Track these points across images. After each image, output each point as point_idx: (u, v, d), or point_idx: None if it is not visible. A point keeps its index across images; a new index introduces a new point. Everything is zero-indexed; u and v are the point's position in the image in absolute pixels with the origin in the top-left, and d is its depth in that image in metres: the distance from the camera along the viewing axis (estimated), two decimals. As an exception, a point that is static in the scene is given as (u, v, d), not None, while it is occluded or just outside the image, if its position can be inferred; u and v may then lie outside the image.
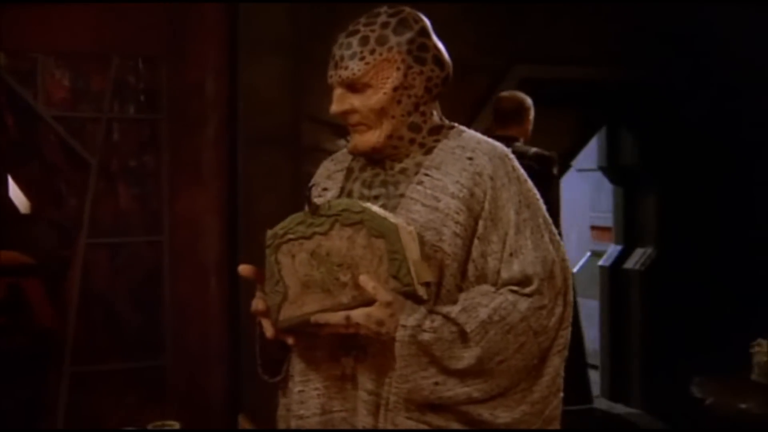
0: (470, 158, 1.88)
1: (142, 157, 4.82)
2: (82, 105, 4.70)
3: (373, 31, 1.85)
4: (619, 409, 6.42)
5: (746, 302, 5.28)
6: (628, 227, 6.59)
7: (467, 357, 1.74)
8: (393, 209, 1.84)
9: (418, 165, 1.90)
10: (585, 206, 8.22)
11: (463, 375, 1.75)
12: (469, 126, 2.01)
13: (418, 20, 1.90)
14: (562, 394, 1.88)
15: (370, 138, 1.88)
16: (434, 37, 1.91)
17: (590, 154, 7.07)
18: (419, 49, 1.87)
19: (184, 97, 4.69)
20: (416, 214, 1.83)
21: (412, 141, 1.91)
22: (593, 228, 8.30)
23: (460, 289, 1.82)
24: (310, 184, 1.99)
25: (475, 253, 1.83)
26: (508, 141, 4.06)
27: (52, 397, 4.56)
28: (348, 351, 1.82)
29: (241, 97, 4.70)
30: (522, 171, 1.92)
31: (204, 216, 4.69)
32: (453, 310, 1.76)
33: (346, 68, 1.84)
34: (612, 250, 6.74)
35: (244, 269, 1.83)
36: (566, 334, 1.86)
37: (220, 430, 4.61)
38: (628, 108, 6.30)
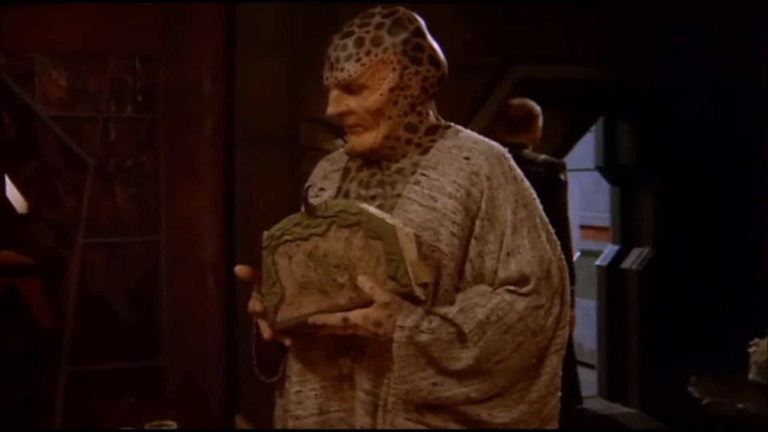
0: (467, 158, 1.88)
1: (140, 157, 4.82)
2: (79, 105, 4.70)
3: (368, 32, 1.85)
4: (617, 408, 6.42)
5: (743, 302, 5.28)
6: (626, 227, 6.60)
7: (465, 357, 1.74)
8: (390, 209, 1.84)
9: (415, 165, 1.90)
10: (575, 206, 8.23)
11: (461, 375, 1.75)
12: (466, 126, 2.01)
13: (413, 20, 1.90)
14: (560, 394, 1.88)
15: (367, 139, 1.88)
16: (429, 37, 1.91)
17: (587, 154, 7.08)
18: (414, 49, 1.87)
19: (181, 97, 4.69)
20: (413, 214, 1.83)
21: (408, 141, 1.91)
22: (582, 227, 8.32)
23: (458, 289, 1.83)
24: (307, 185, 1.99)
25: (472, 253, 1.83)
26: (517, 148, 4.20)
27: (49, 397, 4.55)
28: (345, 351, 1.82)
29: (238, 97, 4.70)
30: (519, 171, 1.92)
31: (201, 216, 4.69)
32: (451, 311, 1.76)
33: (342, 70, 1.84)
34: (609, 249, 6.74)
35: (240, 270, 1.83)
36: (564, 333, 1.86)
37: (218, 430, 4.61)
38: (626, 108, 6.30)
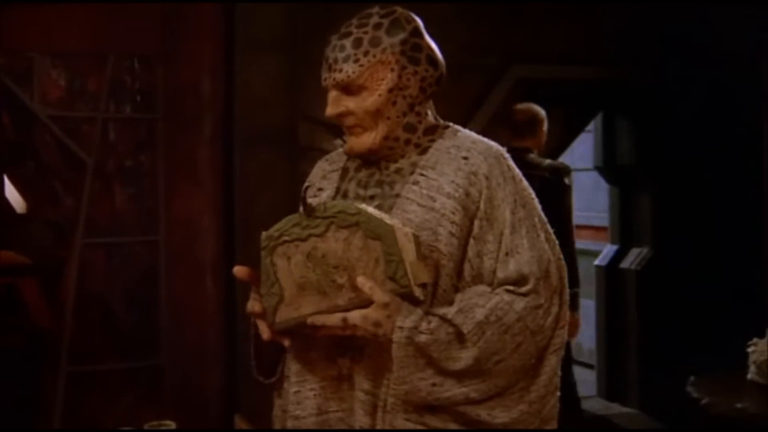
0: (465, 158, 1.88)
1: (138, 157, 4.82)
2: (78, 105, 4.70)
3: (366, 32, 1.85)
4: (615, 408, 6.42)
5: (742, 301, 5.28)
6: (624, 227, 6.60)
7: (464, 358, 1.74)
8: (389, 209, 1.84)
9: (414, 165, 1.90)
10: (573, 205, 8.22)
11: (460, 376, 1.74)
12: (465, 126, 2.01)
13: (411, 20, 1.89)
14: (559, 393, 1.88)
15: (366, 140, 1.88)
16: (427, 37, 1.91)
17: (586, 154, 7.08)
18: (413, 49, 1.87)
19: (180, 97, 4.69)
20: (412, 214, 1.83)
21: (407, 141, 1.91)
22: (581, 227, 8.29)
23: (457, 289, 1.82)
24: (306, 185, 1.99)
25: (470, 253, 1.83)
26: (523, 152, 4.28)
27: (48, 397, 4.55)
28: (344, 352, 1.82)
29: (237, 97, 4.70)
30: (517, 170, 1.92)
31: (200, 215, 4.69)
32: (450, 311, 1.76)
33: (341, 71, 1.84)
34: (608, 249, 6.74)
35: (238, 271, 1.83)
36: (562, 333, 1.86)
37: (217, 430, 4.61)
38: (625, 107, 6.30)
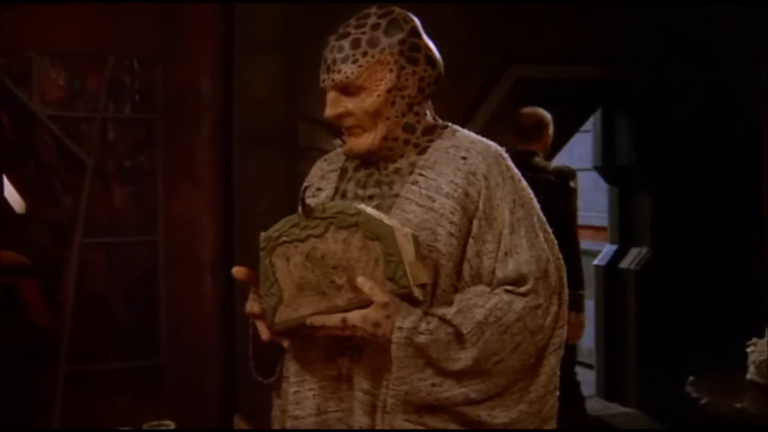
0: (464, 158, 1.87)
1: (138, 157, 4.81)
2: (77, 104, 4.70)
3: (364, 33, 1.85)
4: (615, 408, 6.42)
5: (742, 301, 5.28)
6: (624, 227, 6.60)
7: (464, 358, 1.74)
8: (388, 209, 1.84)
9: (413, 165, 1.90)
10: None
11: (460, 376, 1.75)
12: (464, 125, 2.01)
13: (409, 20, 1.89)
14: (558, 393, 1.88)
15: (366, 140, 1.88)
16: (425, 37, 1.91)
17: (585, 154, 7.07)
18: (411, 49, 1.87)
19: (179, 97, 4.69)
20: (411, 214, 1.83)
21: (406, 141, 1.91)
22: (580, 227, 8.29)
23: (456, 289, 1.82)
24: (304, 185, 1.99)
25: (470, 253, 1.83)
26: (528, 155, 4.30)
27: (47, 397, 4.55)
28: (343, 352, 1.82)
29: (236, 97, 4.69)
30: (516, 170, 1.92)
31: (199, 215, 4.69)
32: (449, 312, 1.76)
33: (339, 72, 1.84)
34: (607, 249, 6.74)
35: (237, 272, 1.82)
36: (562, 332, 1.86)
37: (216, 430, 4.61)
38: (624, 107, 6.30)
